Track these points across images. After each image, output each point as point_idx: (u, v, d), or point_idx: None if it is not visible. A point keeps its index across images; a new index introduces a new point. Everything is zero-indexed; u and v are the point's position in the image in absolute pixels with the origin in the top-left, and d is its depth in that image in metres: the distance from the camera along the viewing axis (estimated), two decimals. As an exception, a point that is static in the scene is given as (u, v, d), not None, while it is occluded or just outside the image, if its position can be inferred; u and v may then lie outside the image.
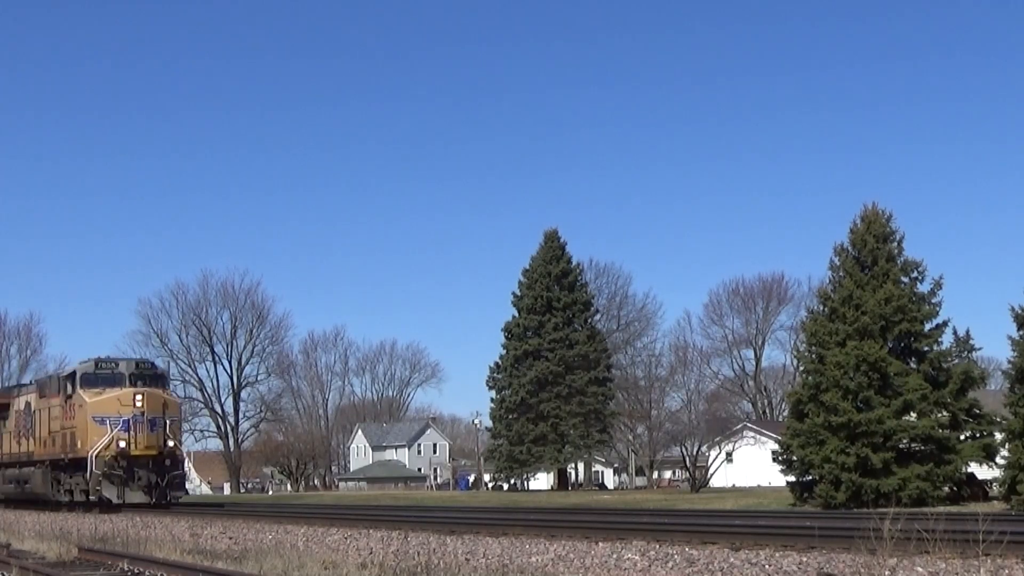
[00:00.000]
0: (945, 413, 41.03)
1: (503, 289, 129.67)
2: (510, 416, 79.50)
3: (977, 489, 41.19)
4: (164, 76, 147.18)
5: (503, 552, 17.36)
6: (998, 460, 39.40)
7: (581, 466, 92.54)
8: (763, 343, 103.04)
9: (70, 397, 37.18)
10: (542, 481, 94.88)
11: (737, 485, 77.11)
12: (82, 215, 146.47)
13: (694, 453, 69.99)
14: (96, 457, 35.02)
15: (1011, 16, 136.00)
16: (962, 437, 41.41)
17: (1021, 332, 34.65)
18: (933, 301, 42.45)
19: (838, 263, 43.32)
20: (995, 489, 39.23)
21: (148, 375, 37.85)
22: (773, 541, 15.28)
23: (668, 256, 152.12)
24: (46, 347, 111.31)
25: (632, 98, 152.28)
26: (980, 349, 71.59)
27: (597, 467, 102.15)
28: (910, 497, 36.91)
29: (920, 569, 12.40)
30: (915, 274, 42.86)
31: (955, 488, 40.11)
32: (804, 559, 13.68)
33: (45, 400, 39.54)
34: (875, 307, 40.84)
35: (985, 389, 52.92)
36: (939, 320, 42.50)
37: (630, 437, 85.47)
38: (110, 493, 34.96)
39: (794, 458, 41.88)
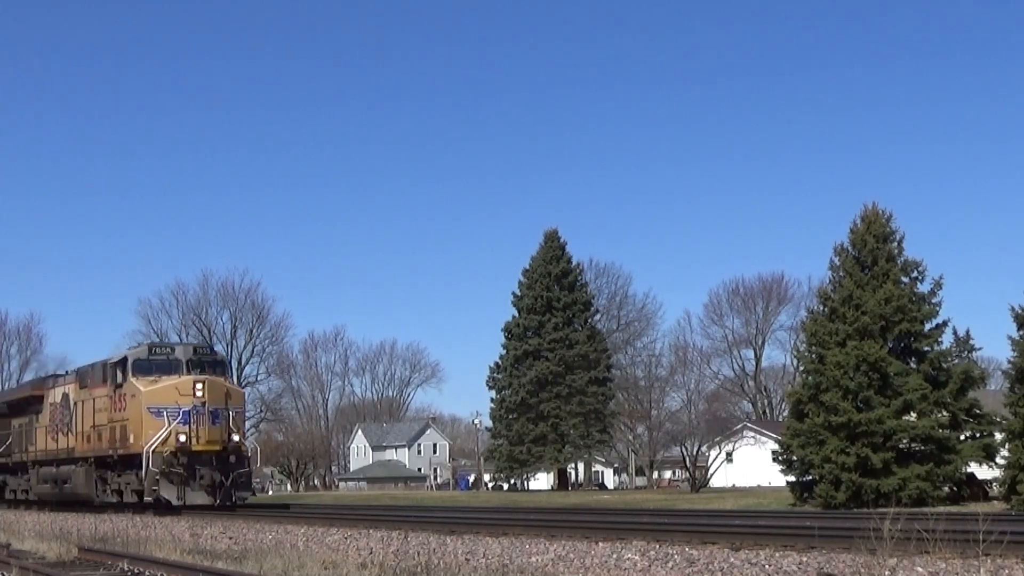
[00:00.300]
0: (945, 413, 41.04)
1: (503, 289, 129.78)
2: (510, 416, 79.55)
3: (977, 489, 41.20)
4: (164, 76, 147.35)
5: (503, 552, 17.37)
6: (998, 460, 39.41)
7: (581, 466, 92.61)
8: (763, 343, 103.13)
9: (120, 386, 33.12)
10: (542, 481, 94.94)
11: (737, 485, 77.13)
12: (82, 215, 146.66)
13: (694, 453, 70.04)
14: (153, 453, 31.08)
15: (1011, 16, 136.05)
16: (962, 437, 41.42)
17: (1021, 332, 34.65)
18: (933, 301, 42.47)
19: (838, 263, 43.33)
20: (995, 489, 39.23)
21: (207, 361, 33.71)
22: (773, 541, 15.28)
23: (668, 256, 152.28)
24: (46, 347, 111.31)
25: (632, 98, 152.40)
26: (980, 349, 71.35)
27: (597, 467, 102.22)
28: (910, 497, 36.92)
29: (920, 569, 12.40)
30: (915, 274, 42.88)
31: (955, 488, 40.12)
32: (804, 559, 13.68)
33: (87, 391, 35.57)
34: (875, 307, 40.85)
35: (985, 389, 52.92)
36: (939, 320, 42.54)
37: (630, 437, 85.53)
38: (169, 494, 30.99)
39: (794, 458, 41.89)
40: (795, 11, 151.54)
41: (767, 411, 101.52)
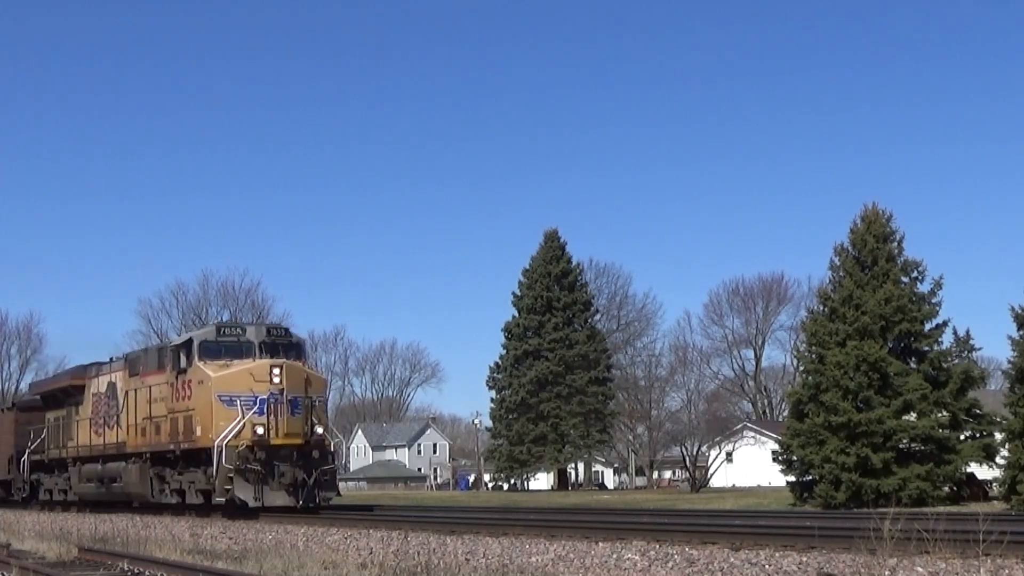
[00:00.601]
0: (945, 413, 41.06)
1: (503, 289, 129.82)
2: (510, 416, 79.58)
3: (977, 489, 41.22)
4: (164, 76, 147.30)
5: (503, 552, 17.37)
6: (998, 460, 39.43)
7: (581, 466, 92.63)
8: (763, 343, 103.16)
9: (183, 372, 29.19)
10: (542, 481, 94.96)
11: (737, 485, 77.17)
12: (82, 215, 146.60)
13: (694, 453, 70.09)
14: (226, 447, 26.97)
15: (1011, 16, 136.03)
16: (962, 437, 41.44)
17: (1021, 332, 34.66)
18: (933, 301, 42.49)
19: (838, 263, 43.35)
20: (995, 489, 39.25)
21: (282, 344, 29.49)
22: (773, 541, 15.27)
23: (668, 256, 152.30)
24: (46, 347, 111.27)
25: (632, 98, 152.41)
26: (980, 349, 71.41)
27: (597, 467, 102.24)
28: (910, 497, 36.92)
29: (920, 569, 12.39)
30: (915, 274, 42.90)
31: (955, 488, 40.13)
32: (804, 559, 13.68)
33: (139, 379, 31.85)
34: (875, 307, 40.86)
35: (985, 389, 52.95)
36: (939, 320, 42.56)
37: (630, 437, 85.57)
38: (245, 494, 26.88)
39: (794, 458, 41.91)
40: (795, 11, 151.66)
41: (767, 411, 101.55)
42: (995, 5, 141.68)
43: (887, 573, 12.52)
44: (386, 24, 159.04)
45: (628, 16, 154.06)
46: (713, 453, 73.36)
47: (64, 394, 37.60)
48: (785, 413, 66.33)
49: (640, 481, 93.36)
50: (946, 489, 39.55)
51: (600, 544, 16.60)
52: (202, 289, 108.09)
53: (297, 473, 27.35)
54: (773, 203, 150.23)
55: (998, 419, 40.17)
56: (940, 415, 40.95)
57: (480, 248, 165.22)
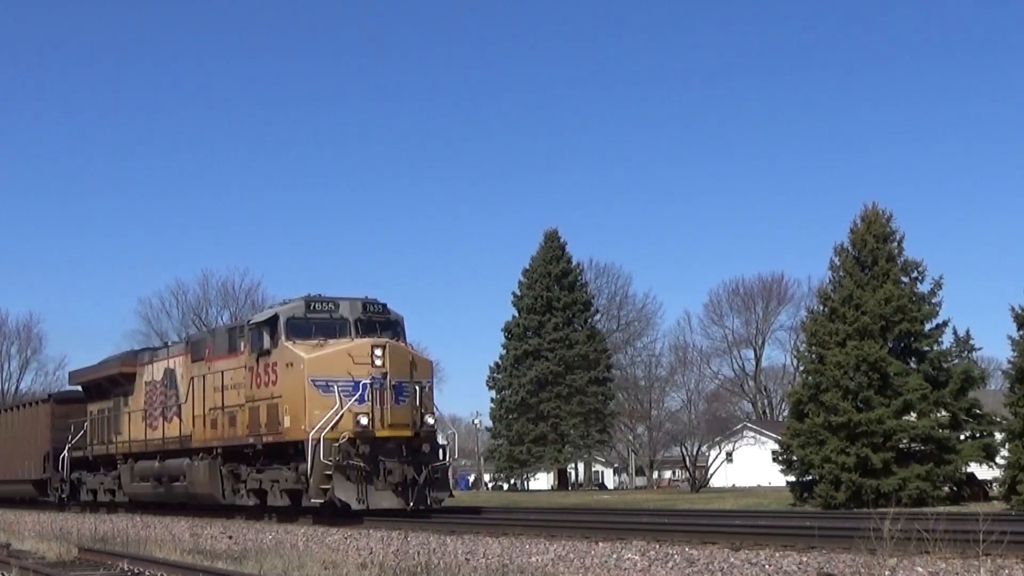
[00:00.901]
0: (945, 413, 41.06)
1: (503, 289, 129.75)
2: (510, 416, 79.60)
3: (977, 489, 41.21)
4: (164, 76, 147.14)
5: (503, 552, 17.38)
6: (998, 460, 39.43)
7: (581, 466, 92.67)
8: (763, 343, 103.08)
9: (266, 354, 25.32)
10: (542, 481, 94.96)
11: (737, 485, 77.20)
12: (82, 215, 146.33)
13: (694, 453, 70.07)
14: (324, 440, 23.12)
15: (1011, 16, 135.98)
16: (962, 437, 41.44)
17: (1021, 332, 34.66)
18: (933, 301, 42.49)
19: (838, 263, 43.36)
20: (995, 489, 39.25)
21: (379, 321, 25.70)
22: (773, 541, 15.29)
23: (668, 256, 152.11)
24: (46, 347, 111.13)
25: (632, 98, 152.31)
26: (980, 349, 71.47)
27: (597, 467, 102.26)
28: (910, 497, 36.93)
29: (920, 569, 12.40)
30: (915, 274, 42.91)
31: (955, 488, 40.13)
32: (804, 559, 13.68)
33: (205, 363, 28.16)
34: (875, 307, 40.86)
35: (985, 389, 52.94)
36: (939, 320, 42.55)
37: (630, 437, 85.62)
38: (346, 494, 23.13)
39: (794, 458, 41.91)
40: (795, 11, 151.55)
41: (767, 411, 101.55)
42: (995, 5, 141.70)
43: (887, 573, 12.52)
44: (386, 24, 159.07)
45: (628, 16, 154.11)
46: (713, 453, 73.36)
47: (111, 384, 34.10)
48: (785, 413, 66.34)
49: (640, 481, 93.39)
50: (946, 489, 39.54)
51: (600, 544, 16.61)
52: (202, 289, 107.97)
53: (406, 470, 23.71)
54: (773, 203, 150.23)
55: (998, 419, 40.18)
56: (940, 415, 40.95)
57: (480, 248, 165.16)
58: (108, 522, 30.17)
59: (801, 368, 49.52)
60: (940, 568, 12.31)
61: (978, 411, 41.99)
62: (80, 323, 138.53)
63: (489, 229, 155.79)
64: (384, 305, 26.27)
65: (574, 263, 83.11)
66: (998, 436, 39.93)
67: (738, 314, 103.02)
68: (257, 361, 25.70)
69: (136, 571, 18.85)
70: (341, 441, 23.24)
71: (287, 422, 24.48)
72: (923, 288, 42.71)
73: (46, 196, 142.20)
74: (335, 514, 23.60)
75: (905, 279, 42.73)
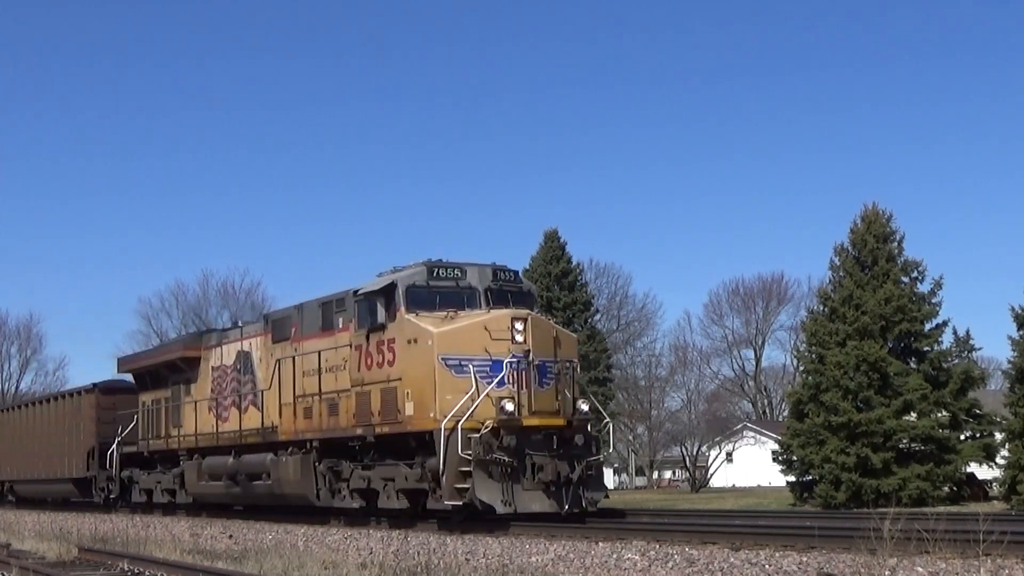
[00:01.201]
0: (945, 413, 41.07)
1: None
2: (510, 416, 79.54)
3: (977, 489, 41.23)
4: (164, 76, 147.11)
5: (503, 552, 17.38)
6: (998, 460, 39.45)
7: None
8: (763, 343, 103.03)
9: (378, 329, 21.42)
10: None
11: (737, 485, 77.25)
12: (82, 215, 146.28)
13: (694, 453, 70.13)
14: (461, 430, 19.38)
15: (1011, 16, 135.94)
16: (962, 437, 41.45)
17: (1021, 332, 34.67)
18: (933, 301, 42.50)
19: (838, 263, 43.37)
20: (995, 489, 39.26)
21: (511, 292, 21.96)
22: (773, 541, 15.29)
23: (668, 256, 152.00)
24: (46, 347, 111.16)
25: (632, 98, 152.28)
26: (980, 349, 71.58)
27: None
28: (910, 497, 36.93)
29: (920, 569, 12.40)
30: (915, 274, 42.91)
31: (955, 488, 40.14)
32: (804, 559, 13.68)
33: (291, 344, 24.58)
34: (875, 307, 40.88)
35: (985, 389, 52.97)
36: (939, 320, 42.56)
37: (630, 437, 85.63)
38: (489, 495, 19.37)
39: (794, 458, 41.92)
40: (795, 11, 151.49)
41: (767, 411, 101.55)
42: (995, 5, 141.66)
43: (887, 573, 12.52)
44: (386, 24, 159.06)
45: (628, 16, 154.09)
46: (713, 453, 73.43)
47: (169, 370, 30.58)
48: (785, 413, 66.34)
49: (640, 481, 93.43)
50: (946, 489, 39.55)
51: (600, 544, 16.61)
52: (202, 289, 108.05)
53: (559, 466, 20.00)
54: (773, 203, 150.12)
55: (998, 419, 40.20)
56: (940, 415, 40.96)
57: (480, 248, 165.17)
58: (108, 522, 30.17)
59: (801, 368, 49.50)
60: (940, 568, 12.31)
61: (978, 411, 42.00)
62: (80, 323, 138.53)
63: (489, 229, 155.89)
64: (516, 273, 22.69)
65: (574, 263, 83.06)
66: (998, 436, 39.95)
67: (738, 314, 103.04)
68: (367, 338, 21.71)
69: (136, 571, 18.85)
70: (483, 432, 19.38)
71: (409, 409, 20.57)
72: (923, 288, 42.74)
73: (46, 196, 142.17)
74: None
75: (905, 279, 42.74)
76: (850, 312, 41.12)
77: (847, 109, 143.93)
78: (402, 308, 21.08)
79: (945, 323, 42.62)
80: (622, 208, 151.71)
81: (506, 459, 19.50)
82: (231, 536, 24.27)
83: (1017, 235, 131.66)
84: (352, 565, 18.24)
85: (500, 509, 19.49)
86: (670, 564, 14.90)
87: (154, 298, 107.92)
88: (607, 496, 23.50)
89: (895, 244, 42.89)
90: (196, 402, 28.89)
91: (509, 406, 19.70)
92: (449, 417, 19.51)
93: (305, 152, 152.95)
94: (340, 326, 22.88)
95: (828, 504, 38.06)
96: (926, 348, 42.29)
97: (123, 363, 36.49)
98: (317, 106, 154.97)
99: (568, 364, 21.02)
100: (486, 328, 20.29)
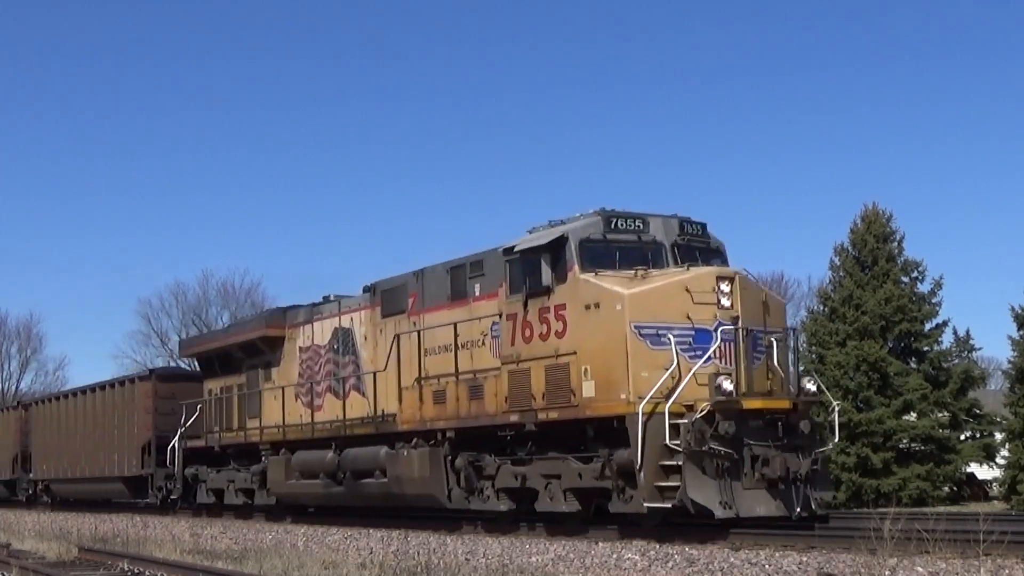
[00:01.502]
0: (945, 413, 41.05)
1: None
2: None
3: (977, 489, 41.22)
4: (164, 76, 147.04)
5: (503, 552, 17.37)
6: (998, 460, 39.45)
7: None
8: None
9: (542, 293, 17.79)
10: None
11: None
12: (82, 215, 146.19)
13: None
14: (668, 414, 15.79)
15: (1011, 16, 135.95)
16: (962, 437, 41.45)
17: (1021, 332, 34.68)
18: (933, 301, 42.46)
19: (838, 263, 43.34)
20: (995, 489, 39.26)
21: (699, 249, 18.40)
22: (773, 541, 15.28)
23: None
24: (46, 347, 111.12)
25: (632, 98, 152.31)
26: (980, 349, 71.49)
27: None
28: (910, 497, 36.92)
29: (920, 569, 12.40)
30: (915, 274, 42.88)
31: (955, 488, 40.14)
32: (804, 559, 13.69)
33: (409, 317, 21.17)
34: (875, 307, 40.86)
35: (985, 389, 52.93)
36: (939, 320, 42.52)
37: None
38: (705, 496, 15.80)
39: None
40: (795, 11, 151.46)
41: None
42: (995, 5, 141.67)
43: (887, 573, 12.52)
44: (386, 24, 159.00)
45: (628, 16, 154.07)
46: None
47: (245, 353, 27.11)
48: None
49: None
50: (946, 489, 39.54)
51: (600, 544, 16.60)
52: (202, 289, 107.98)
53: (788, 460, 16.32)
54: (773, 203, 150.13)
55: (998, 419, 40.20)
56: (940, 415, 40.93)
57: (480, 248, 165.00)
58: (108, 522, 30.16)
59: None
60: (940, 568, 12.31)
61: (978, 411, 41.98)
62: (80, 323, 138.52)
63: (489, 229, 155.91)
64: (704, 226, 18.84)
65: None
66: (998, 436, 39.95)
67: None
68: (524, 305, 18.14)
69: (136, 571, 18.85)
70: (695, 417, 15.84)
71: (588, 390, 16.90)
72: (923, 288, 42.69)
73: (46, 196, 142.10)
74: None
75: (905, 279, 42.71)
76: (850, 312, 41.11)
77: (847, 109, 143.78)
78: (576, 267, 17.43)
79: (945, 323, 42.62)
80: (622, 208, 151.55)
81: (724, 451, 15.89)
82: (231, 537, 24.28)
83: (1017, 235, 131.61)
84: (352, 565, 18.24)
85: (719, 513, 15.83)
86: (670, 564, 14.90)
87: (154, 298, 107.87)
88: (835, 497, 18.37)
89: (895, 244, 42.86)
90: (282, 388, 25.18)
91: (727, 384, 16.11)
92: (647, 399, 15.87)
93: (305, 152, 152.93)
94: (477, 294, 19.50)
95: (828, 504, 38.03)
96: (926, 348, 42.27)
97: (186, 347, 33.14)
98: (317, 106, 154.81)
99: (782, 334, 17.57)
100: (687, 289, 16.72)
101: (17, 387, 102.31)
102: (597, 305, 16.99)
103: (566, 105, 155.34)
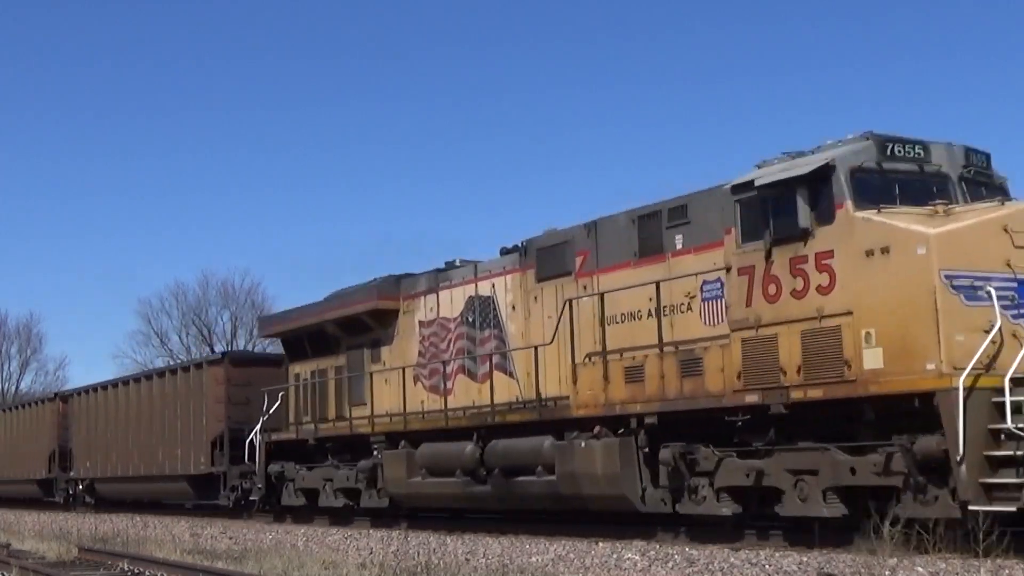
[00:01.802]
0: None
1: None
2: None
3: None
4: (164, 76, 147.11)
5: (503, 552, 17.37)
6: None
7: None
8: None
9: (800, 237, 14.17)
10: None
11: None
12: (82, 215, 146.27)
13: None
14: (998, 390, 12.34)
15: (1011, 16, 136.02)
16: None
17: None
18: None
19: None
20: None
21: (984, 183, 15.23)
22: (773, 541, 15.29)
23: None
24: (46, 347, 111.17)
25: (632, 98, 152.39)
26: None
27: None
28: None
29: (920, 569, 12.39)
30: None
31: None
32: (804, 559, 13.69)
33: (576, 279, 18.02)
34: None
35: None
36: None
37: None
38: None
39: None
40: (795, 11, 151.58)
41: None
42: (995, 5, 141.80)
43: (887, 573, 12.52)
44: (386, 24, 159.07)
45: (628, 16, 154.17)
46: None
47: (345, 330, 23.63)
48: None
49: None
50: (946, 489, 39.51)
51: (600, 544, 16.61)
52: (202, 289, 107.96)
53: None
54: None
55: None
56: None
57: (480, 248, 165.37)
58: (108, 522, 30.16)
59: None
60: (940, 568, 12.31)
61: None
62: (80, 323, 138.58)
63: (489, 229, 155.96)
64: (989, 156, 15.76)
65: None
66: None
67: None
68: (768, 256, 14.53)
69: (136, 571, 18.85)
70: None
71: (873, 360, 13.28)
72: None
73: (46, 196, 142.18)
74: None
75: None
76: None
77: (847, 109, 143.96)
78: (847, 202, 13.87)
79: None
80: (621, 208, 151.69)
81: None
82: (231, 536, 24.29)
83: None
84: (352, 565, 18.22)
85: None
86: (670, 564, 14.90)
87: (154, 298, 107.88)
88: None
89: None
90: (401, 370, 21.56)
91: None
92: (968, 371, 12.39)
93: (305, 152, 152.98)
94: (679, 247, 16.28)
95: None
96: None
97: (267, 325, 28.54)
98: (317, 106, 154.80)
99: None
100: (1006, 229, 13.31)
101: (17, 387, 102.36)
102: (885, 250, 13.34)
103: (566, 105, 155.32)
